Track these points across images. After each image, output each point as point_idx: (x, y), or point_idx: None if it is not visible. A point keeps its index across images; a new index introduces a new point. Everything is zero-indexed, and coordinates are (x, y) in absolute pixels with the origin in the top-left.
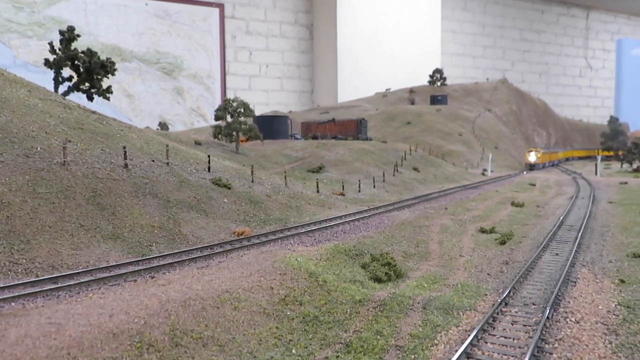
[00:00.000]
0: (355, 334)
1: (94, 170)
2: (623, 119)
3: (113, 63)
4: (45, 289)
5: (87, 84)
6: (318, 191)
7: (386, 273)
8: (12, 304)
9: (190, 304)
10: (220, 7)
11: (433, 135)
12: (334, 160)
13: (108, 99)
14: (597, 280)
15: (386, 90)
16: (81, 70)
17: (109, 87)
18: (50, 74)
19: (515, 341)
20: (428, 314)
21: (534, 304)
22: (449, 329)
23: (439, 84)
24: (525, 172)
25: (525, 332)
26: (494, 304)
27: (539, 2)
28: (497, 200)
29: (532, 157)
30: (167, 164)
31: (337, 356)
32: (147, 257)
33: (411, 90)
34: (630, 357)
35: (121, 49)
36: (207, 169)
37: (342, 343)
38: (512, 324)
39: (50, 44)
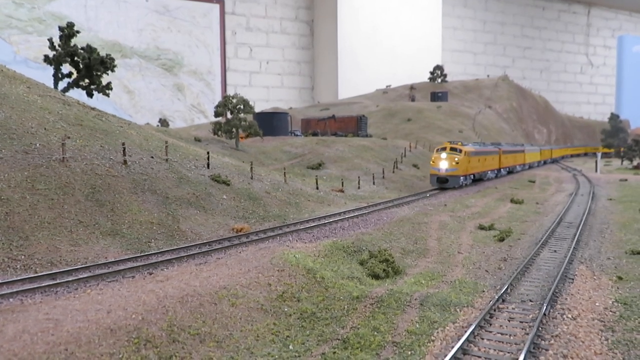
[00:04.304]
0: (352, 330)
1: (93, 167)
2: (624, 116)
3: (113, 59)
4: (43, 285)
5: (86, 81)
6: (317, 188)
7: (384, 270)
8: (11, 299)
9: (188, 300)
10: (221, 3)
11: (433, 132)
12: (333, 157)
13: (107, 95)
14: (594, 277)
15: (386, 86)
16: (81, 66)
17: (109, 83)
18: (51, 70)
19: (511, 337)
20: (425, 311)
21: (531, 301)
22: (445, 325)
23: (439, 80)
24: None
25: (522, 329)
26: (491, 301)
27: None
28: (496, 197)
29: (444, 164)
30: (167, 160)
31: (334, 352)
32: (146, 254)
33: (411, 87)
34: (627, 354)
35: (121, 45)
36: (206, 166)
37: (339, 339)
38: (509, 321)
39: (50, 40)
